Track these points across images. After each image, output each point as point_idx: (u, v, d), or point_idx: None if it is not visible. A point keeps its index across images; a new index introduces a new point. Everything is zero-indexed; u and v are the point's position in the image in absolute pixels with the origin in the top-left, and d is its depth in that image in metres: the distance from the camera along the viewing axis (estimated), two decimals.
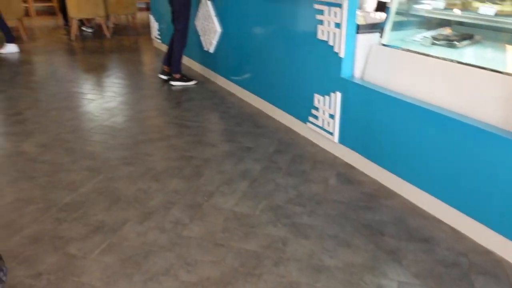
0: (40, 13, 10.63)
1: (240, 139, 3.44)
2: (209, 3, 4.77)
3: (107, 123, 3.72)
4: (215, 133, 3.54)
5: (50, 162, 3.00)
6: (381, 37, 2.99)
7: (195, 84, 4.91)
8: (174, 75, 4.85)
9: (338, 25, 2.93)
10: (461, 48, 2.77)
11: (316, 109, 3.31)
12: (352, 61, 3.03)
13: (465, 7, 2.72)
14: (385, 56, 2.91)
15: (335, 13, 2.93)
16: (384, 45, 2.95)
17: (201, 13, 5.02)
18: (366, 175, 2.91)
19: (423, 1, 3.03)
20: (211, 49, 4.93)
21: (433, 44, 2.85)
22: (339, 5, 2.88)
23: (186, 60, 5.75)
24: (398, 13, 2.96)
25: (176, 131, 3.58)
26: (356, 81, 2.96)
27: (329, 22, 3.00)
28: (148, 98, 4.43)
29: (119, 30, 8.72)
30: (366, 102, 2.85)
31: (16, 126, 3.65)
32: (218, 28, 4.70)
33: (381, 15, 3.47)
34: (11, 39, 6.33)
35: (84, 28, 8.44)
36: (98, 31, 8.32)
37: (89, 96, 4.44)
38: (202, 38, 5.13)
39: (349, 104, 3.00)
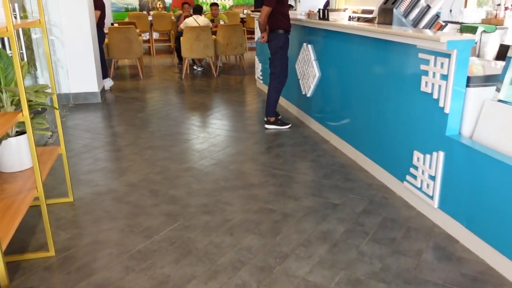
0: (160, 52, 11.54)
1: (327, 193, 3.18)
2: (309, 47, 4.67)
3: (196, 165, 3.72)
4: (301, 185, 3.33)
5: (133, 203, 3.04)
6: (497, 91, 2.56)
7: (289, 128, 4.78)
8: (268, 118, 4.77)
9: (444, 77, 2.59)
10: None
11: (415, 168, 2.93)
12: (460, 118, 2.64)
13: None
14: (502, 114, 2.48)
15: (442, 63, 2.59)
16: (501, 101, 2.52)
17: (301, 56, 4.93)
18: (470, 251, 2.45)
19: None
20: (309, 93, 4.78)
21: None
22: (447, 56, 2.54)
23: (284, 102, 5.68)
24: None
25: (260, 179, 3.44)
26: (463, 141, 2.56)
27: (434, 73, 2.67)
28: (240, 140, 4.39)
29: (227, 69, 9.05)
30: (474, 165, 2.43)
31: (113, 162, 3.82)
32: (317, 72, 4.55)
33: (501, 65, 3.03)
34: (106, 74, 6.87)
35: (194, 67, 8.91)
36: (207, 69, 8.72)
37: (185, 136, 4.53)
38: (300, 82, 5.02)
39: (453, 166, 2.60)
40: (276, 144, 4.27)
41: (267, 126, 4.78)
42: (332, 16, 4.02)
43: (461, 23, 6.14)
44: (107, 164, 3.77)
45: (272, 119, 4.78)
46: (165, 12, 12.42)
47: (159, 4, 13.20)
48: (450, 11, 7.61)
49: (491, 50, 5.57)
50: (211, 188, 3.27)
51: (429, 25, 3.45)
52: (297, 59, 5.06)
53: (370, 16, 3.79)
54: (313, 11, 4.92)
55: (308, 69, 4.75)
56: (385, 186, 3.30)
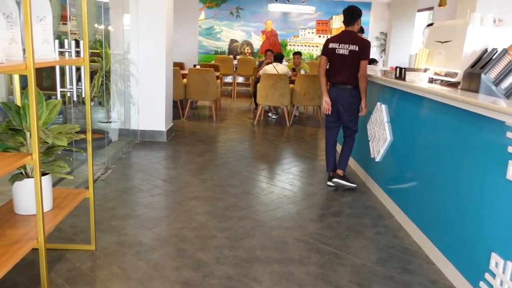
0: (241, 95, 11.62)
1: (376, 286, 2.63)
2: (383, 107, 4.20)
3: (235, 226, 3.37)
4: (348, 269, 2.81)
5: (153, 262, 2.74)
6: None
7: (354, 187, 4.29)
8: (338, 171, 4.38)
9: None
10: None
11: (492, 274, 2.31)
12: None
13: None
14: None
15: None
16: None
17: (374, 116, 4.47)
18: None
19: None
20: (378, 158, 4.26)
21: None
22: None
23: (352, 163, 5.18)
24: None
25: (302, 254, 2.98)
26: None
27: None
28: (292, 202, 3.97)
29: (302, 119, 8.75)
30: None
31: (153, 210, 3.60)
32: (388, 136, 4.05)
33: None
34: None
35: (269, 114, 8.73)
36: (282, 118, 8.49)
37: (235, 189, 4.22)
38: (370, 144, 4.53)
39: None
40: (331, 212, 3.79)
41: (335, 180, 4.33)
42: (410, 76, 3.55)
43: None
44: (145, 211, 3.55)
45: (342, 172, 4.34)
46: (251, 57, 12.60)
47: (247, 50, 13.47)
48: None
49: None
50: (243, 257, 2.88)
51: None
52: (369, 119, 4.60)
53: (453, 80, 3.28)
54: (394, 68, 4.47)
55: (379, 131, 4.26)
56: (453, 287, 2.67)
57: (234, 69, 11.49)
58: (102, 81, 5.61)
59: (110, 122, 5.80)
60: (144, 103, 5.99)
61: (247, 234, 3.23)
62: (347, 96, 4.31)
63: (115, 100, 5.90)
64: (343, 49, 4.24)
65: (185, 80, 7.89)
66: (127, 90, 5.93)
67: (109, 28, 6.02)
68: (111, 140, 5.43)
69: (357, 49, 4.19)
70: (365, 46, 4.23)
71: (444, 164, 2.95)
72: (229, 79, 12.26)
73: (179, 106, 8.03)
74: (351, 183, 4.35)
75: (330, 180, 4.45)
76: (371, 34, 13.22)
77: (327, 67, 4.42)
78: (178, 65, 9.09)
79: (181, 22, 10.85)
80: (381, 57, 5.89)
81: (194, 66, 9.09)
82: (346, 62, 4.24)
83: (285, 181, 4.61)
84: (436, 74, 3.67)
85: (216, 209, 3.67)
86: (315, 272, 2.75)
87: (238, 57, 12.30)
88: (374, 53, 12.80)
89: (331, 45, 4.29)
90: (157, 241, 3.03)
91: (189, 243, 3.03)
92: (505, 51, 2.92)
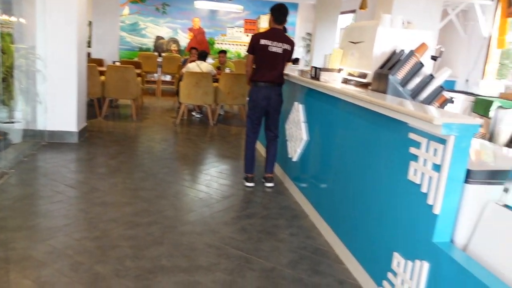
0: (166, 93, 11.25)
1: None
2: (300, 107, 4.17)
3: (142, 233, 3.15)
4: (256, 274, 2.71)
5: (42, 280, 2.46)
6: (505, 192, 1.97)
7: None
8: (270, 174, 4.44)
9: (437, 168, 2.01)
10: None
11: (394, 273, 2.31)
12: (453, 222, 2.04)
13: None
14: (506, 224, 1.88)
15: (435, 150, 2.03)
16: (507, 207, 1.93)
17: (292, 116, 4.43)
18: None
19: None
20: (295, 157, 4.23)
21: None
22: (443, 141, 1.98)
23: None
24: None
25: (211, 260, 2.83)
26: (453, 253, 1.95)
27: (425, 161, 2.10)
28: (206, 205, 3.81)
29: (227, 118, 8.62)
30: (463, 287, 1.81)
31: (50, 219, 3.27)
32: (304, 136, 4.02)
33: None
34: None
35: (193, 113, 8.51)
36: (206, 117, 8.30)
37: (147, 193, 3.98)
38: (288, 144, 4.49)
39: (439, 282, 1.97)
40: (246, 214, 3.68)
41: (268, 184, 4.43)
42: (324, 76, 3.54)
43: (476, 95, 5.62)
44: (41, 220, 3.22)
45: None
46: (177, 55, 12.26)
47: (174, 47, 13.11)
48: (467, 81, 7.11)
49: (507, 129, 4.99)
50: (147, 268, 2.67)
51: (431, 98, 2.92)
52: (287, 119, 4.56)
53: (364, 80, 3.30)
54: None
55: (296, 131, 4.22)
56: (360, 287, 2.65)
57: (159, 66, 11.11)
58: (4, 77, 5.09)
59: (12, 123, 5.29)
60: (53, 102, 5.52)
61: (155, 242, 3.02)
62: (277, 95, 4.25)
63: (19, 99, 5.39)
64: (276, 47, 4.13)
65: (103, 78, 7.45)
66: (33, 88, 5.44)
67: (12, 19, 5.49)
68: (10, 142, 4.94)
69: (289, 48, 4.16)
70: (293, 46, 4.21)
71: (354, 164, 2.95)
72: (154, 77, 11.83)
73: (96, 105, 7.56)
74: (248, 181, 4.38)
75: (249, 181, 4.36)
76: (297, 35, 13.41)
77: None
78: (97, 62, 8.58)
79: (102, 17, 10.28)
80: (302, 57, 5.86)
81: (114, 63, 8.64)
82: (278, 60, 4.16)
83: (202, 182, 4.45)
84: (349, 74, 3.69)
85: (123, 216, 3.42)
86: (223, 280, 2.61)
87: (163, 54, 11.92)
88: (300, 53, 12.99)
89: (263, 42, 4.13)
90: (50, 254, 2.74)
91: (87, 255, 2.77)
92: (411, 53, 2.96)
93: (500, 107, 4.95)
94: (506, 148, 2.77)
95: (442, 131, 1.91)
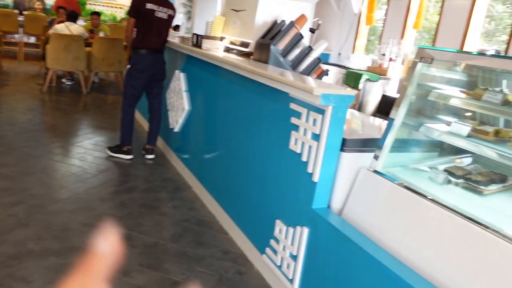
0: (31, 57, 10.08)
1: (168, 265, 2.48)
2: (181, 75, 4.02)
3: (2, 214, 2.79)
4: (138, 251, 2.59)
5: None
6: (376, 159, 2.12)
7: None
8: (151, 146, 4.23)
9: (316, 137, 2.08)
10: (488, 196, 1.88)
11: (276, 240, 2.38)
12: (330, 188, 2.14)
13: (501, 136, 1.87)
14: (376, 189, 2.03)
15: (315, 120, 2.08)
16: (376, 172, 2.08)
17: (173, 85, 4.26)
18: None
19: (439, 116, 2.20)
20: (176, 128, 4.10)
21: (447, 182, 1.97)
22: (321, 111, 2.04)
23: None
24: (404, 126, 2.10)
25: (87, 241, 2.62)
26: (330, 217, 2.06)
27: (305, 130, 2.15)
28: (81, 179, 3.52)
29: (102, 86, 8.05)
30: (339, 248, 1.93)
31: None
32: (186, 105, 3.90)
33: (381, 124, 2.65)
34: None
35: (63, 80, 7.76)
36: (78, 84, 7.63)
37: (10, 169, 3.53)
38: (170, 114, 4.33)
39: (318, 246, 2.08)
40: (126, 188, 3.49)
41: (149, 156, 4.20)
42: (206, 44, 3.43)
43: (347, 68, 6.01)
44: None
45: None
46: (42, 14, 11.00)
47: (38, 5, 11.72)
48: (339, 54, 7.57)
49: (374, 99, 5.45)
50: (10, 254, 2.37)
51: (310, 69, 3.00)
52: (168, 88, 4.38)
53: (247, 50, 3.28)
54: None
55: (178, 101, 4.08)
56: (244, 256, 2.70)
57: (20, 26, 9.86)
58: None
59: None
60: None
61: (19, 224, 2.70)
62: (163, 63, 4.08)
63: None
64: (162, 12, 3.86)
65: None
66: None
67: None
68: None
69: (173, 14, 3.97)
70: (175, 12, 4.01)
71: (237, 134, 2.94)
72: (15, 38, 10.49)
73: None
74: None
75: (127, 153, 4.14)
76: (177, 0, 12.92)
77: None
78: None
79: None
80: (183, 23, 5.59)
81: None
82: (163, 26, 3.94)
83: (75, 156, 4.09)
84: (231, 43, 3.64)
85: None
86: None
87: (25, 12, 10.59)
88: (180, 20, 12.56)
89: (149, 6, 3.80)
90: None
91: None
92: (292, 24, 3.00)
93: (368, 79, 5.37)
94: (373, 117, 2.99)
95: (321, 102, 1.96)
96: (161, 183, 3.68)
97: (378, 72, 5.56)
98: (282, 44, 2.93)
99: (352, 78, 5.49)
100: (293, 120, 2.24)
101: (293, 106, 2.24)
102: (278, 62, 2.94)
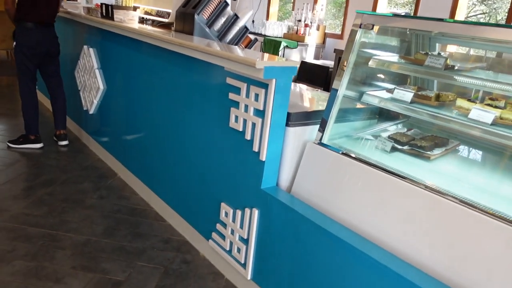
0: None
1: (106, 264, 2.25)
2: (91, 51, 3.63)
3: None
4: (69, 252, 2.32)
5: None
6: (321, 132, 2.05)
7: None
8: (63, 131, 3.86)
9: (260, 114, 1.95)
10: (433, 161, 1.91)
11: (223, 225, 2.25)
12: (277, 166, 2.05)
13: (442, 100, 1.89)
14: (323, 161, 1.98)
15: (257, 95, 1.95)
16: (322, 144, 2.02)
17: (82, 62, 3.85)
18: None
19: (380, 83, 2.19)
20: (91, 110, 3.73)
21: (393, 149, 1.98)
22: (264, 86, 1.91)
23: None
24: (347, 95, 2.05)
25: (4, 247, 2.29)
26: (281, 196, 1.97)
27: (246, 107, 2.02)
28: None
29: None
30: (292, 228, 1.87)
31: None
32: (101, 85, 3.54)
33: (317, 94, 2.61)
34: None
35: None
36: None
37: None
38: (81, 94, 3.93)
39: (270, 226, 1.99)
40: (41, 182, 3.11)
41: (62, 143, 3.81)
42: (118, 15, 3.09)
43: (264, 36, 5.91)
44: None
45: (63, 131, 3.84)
46: None
47: None
48: (253, 21, 7.43)
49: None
50: None
51: (237, 39, 2.84)
52: (77, 65, 3.95)
53: (166, 20, 3.01)
54: (99, 5, 3.86)
55: (90, 79, 3.70)
56: (187, 243, 2.55)
57: None
58: None
59: None
60: None
61: None
62: (55, 37, 3.63)
63: None
64: None
65: None
66: None
67: None
68: None
69: None
70: None
71: (168, 114, 2.72)
72: None
73: None
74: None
75: (36, 142, 3.70)
76: None
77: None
78: None
79: None
80: None
81: None
82: None
83: None
84: (146, 13, 3.33)
85: None
86: (26, 268, 2.15)
87: None
88: None
89: None
90: None
91: None
92: None
93: (287, 46, 5.32)
94: (304, 87, 2.93)
95: (264, 75, 1.83)
96: (82, 172, 3.35)
97: (295, 38, 5.53)
98: (206, 13, 2.72)
99: (270, 46, 5.41)
100: (232, 96, 2.08)
101: (230, 81, 2.08)
102: (204, 33, 2.73)
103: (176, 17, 2.90)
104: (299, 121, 2.05)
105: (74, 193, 3.00)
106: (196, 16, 2.67)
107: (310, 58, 5.55)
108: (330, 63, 5.26)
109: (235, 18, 2.81)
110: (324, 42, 5.65)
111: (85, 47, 3.73)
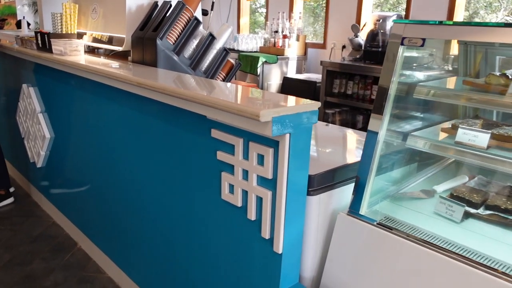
0: None
1: None
2: (31, 91, 2.91)
3: None
4: None
5: None
6: (355, 197, 1.42)
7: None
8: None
9: (269, 184, 1.30)
10: None
11: None
12: (299, 255, 1.40)
13: None
14: (361, 240, 1.35)
15: (261, 156, 1.30)
16: (358, 215, 1.39)
17: (22, 105, 3.12)
18: None
19: (424, 115, 1.59)
20: (39, 163, 3.00)
21: (468, 216, 1.36)
22: (272, 143, 1.26)
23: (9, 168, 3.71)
24: (389, 141, 1.43)
25: None
26: None
27: (246, 173, 1.36)
28: None
29: None
30: None
31: None
32: (46, 132, 2.83)
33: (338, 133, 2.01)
34: None
35: None
36: None
37: None
38: (26, 144, 3.19)
39: None
40: None
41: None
42: (58, 45, 2.39)
43: (238, 51, 5.28)
44: None
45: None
46: None
47: None
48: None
49: (275, 84, 4.83)
50: None
51: (215, 66, 2.19)
52: (18, 108, 3.22)
53: (120, 48, 2.34)
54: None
55: (34, 126, 2.97)
56: None
57: None
58: None
59: None
60: None
61: None
62: None
63: None
64: None
65: None
66: None
67: None
68: None
69: None
70: None
71: (134, 172, 2.04)
72: None
73: None
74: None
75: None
76: None
77: None
78: None
79: None
80: (24, 18, 4.26)
81: None
82: None
83: None
84: (95, 40, 2.63)
85: None
86: None
87: None
88: (27, 14, 10.59)
89: None
90: None
91: None
92: (182, 5, 2.12)
93: (266, 62, 4.70)
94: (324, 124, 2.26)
95: (273, 132, 1.18)
96: (31, 246, 2.62)
97: (274, 52, 4.91)
98: (172, 36, 2.06)
99: (247, 63, 4.78)
100: (221, 155, 1.43)
101: (217, 134, 1.43)
102: (171, 62, 2.07)
103: (133, 44, 2.22)
104: (324, 185, 1.42)
105: (20, 280, 2.27)
106: (158, 42, 2.00)
107: (292, 73, 4.95)
108: (315, 76, 4.67)
109: (211, 38, 2.15)
110: (305, 53, 5.06)
111: (24, 86, 3.01)
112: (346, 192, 1.49)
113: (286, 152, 1.23)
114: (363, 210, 1.40)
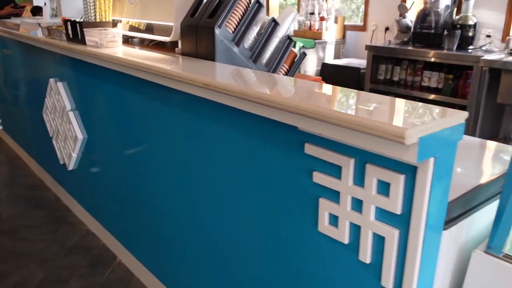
0: None
1: None
2: (60, 86, 2.63)
3: None
4: None
5: None
6: (496, 233, 1.10)
7: None
8: None
9: (395, 220, 0.99)
10: None
11: None
12: None
13: None
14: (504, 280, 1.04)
15: (386, 184, 0.98)
16: (499, 254, 1.07)
17: (49, 101, 2.84)
18: None
19: None
20: (70, 166, 2.73)
21: None
22: (406, 169, 0.94)
23: (35, 168, 3.48)
24: None
25: None
26: None
27: (358, 203, 1.05)
28: None
29: None
30: None
31: None
32: (79, 133, 2.55)
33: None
34: None
35: None
36: None
37: None
38: (55, 144, 2.93)
39: None
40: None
41: None
42: (92, 36, 2.09)
43: None
44: None
45: None
46: None
47: None
48: None
49: (312, 70, 4.48)
50: None
51: (277, 58, 1.87)
52: (44, 105, 2.95)
53: (166, 39, 2.02)
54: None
55: (63, 125, 2.70)
56: None
57: None
58: None
59: None
60: None
61: None
62: None
63: None
64: None
65: None
66: None
67: None
68: None
69: None
70: None
71: (191, 184, 1.74)
72: None
73: None
74: None
75: None
76: None
77: None
78: None
79: None
80: (45, 4, 4.01)
81: None
82: None
83: None
84: (132, 28, 2.32)
85: None
86: None
87: None
88: None
89: None
90: None
91: None
92: None
93: (303, 47, 4.36)
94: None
95: (419, 156, 0.87)
96: (65, 259, 2.37)
97: (310, 36, 4.55)
98: (232, 24, 1.74)
99: None
100: (318, 177, 1.12)
101: (312, 150, 1.12)
102: (231, 54, 1.75)
103: (182, 32, 1.91)
104: (457, 214, 1.10)
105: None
106: (217, 31, 1.68)
107: (329, 58, 4.59)
108: (357, 62, 4.31)
109: (274, 24, 1.83)
110: (344, 37, 4.69)
111: (51, 80, 2.72)
112: (475, 220, 1.17)
113: (428, 181, 0.92)
114: (507, 249, 1.08)
